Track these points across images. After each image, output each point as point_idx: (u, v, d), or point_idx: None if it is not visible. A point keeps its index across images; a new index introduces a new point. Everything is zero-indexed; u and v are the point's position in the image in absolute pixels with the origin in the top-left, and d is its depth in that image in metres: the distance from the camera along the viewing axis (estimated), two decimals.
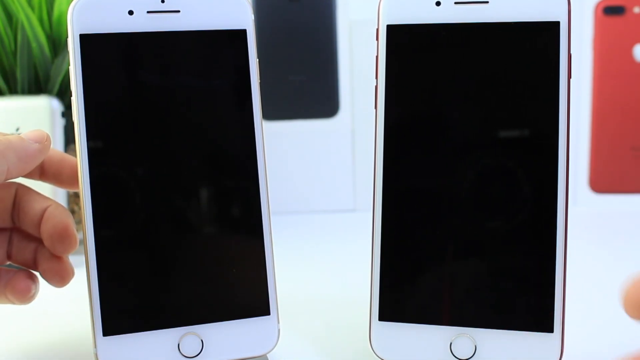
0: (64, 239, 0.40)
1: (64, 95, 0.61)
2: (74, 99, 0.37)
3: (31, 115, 0.59)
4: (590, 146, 0.75)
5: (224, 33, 0.39)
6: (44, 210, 0.41)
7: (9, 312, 0.48)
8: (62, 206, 0.41)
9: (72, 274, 0.41)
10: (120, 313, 0.38)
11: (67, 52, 0.44)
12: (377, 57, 0.38)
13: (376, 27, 0.38)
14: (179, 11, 0.38)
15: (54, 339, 0.45)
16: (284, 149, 0.76)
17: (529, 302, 0.37)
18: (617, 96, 0.74)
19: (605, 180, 0.76)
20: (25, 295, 0.41)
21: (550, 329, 0.37)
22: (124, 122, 0.38)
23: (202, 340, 0.38)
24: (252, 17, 0.39)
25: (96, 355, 0.37)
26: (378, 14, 0.38)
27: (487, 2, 0.37)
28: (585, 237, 0.66)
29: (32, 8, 0.60)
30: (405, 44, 0.38)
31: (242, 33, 0.39)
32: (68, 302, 0.49)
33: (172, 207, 0.39)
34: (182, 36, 0.38)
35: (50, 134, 0.59)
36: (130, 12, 0.38)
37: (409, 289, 0.38)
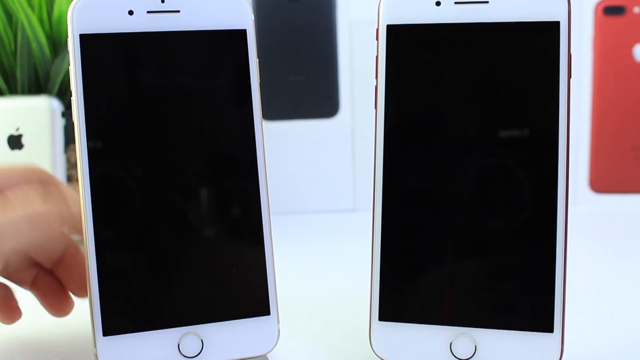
0: (84, 289, 0.41)
1: (64, 95, 0.61)
2: (74, 99, 0.37)
3: (31, 115, 0.59)
4: (590, 146, 0.75)
5: (224, 33, 0.39)
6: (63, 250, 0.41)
7: None
8: (81, 250, 0.42)
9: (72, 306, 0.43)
10: (120, 313, 0.38)
11: (67, 52, 0.44)
12: (377, 57, 0.38)
13: (376, 27, 0.38)
14: (179, 11, 0.38)
15: (54, 339, 0.45)
16: (284, 149, 0.76)
17: (529, 302, 0.37)
18: (617, 96, 0.74)
19: (605, 180, 0.76)
20: None
21: (550, 329, 0.37)
22: (124, 122, 0.38)
23: (202, 340, 0.38)
24: (252, 17, 0.39)
25: (96, 355, 0.37)
26: (378, 14, 0.38)
27: (487, 2, 0.37)
28: (585, 237, 0.66)
29: (32, 8, 0.60)
30: (405, 44, 0.38)
31: (242, 33, 0.39)
32: None
33: (172, 207, 0.39)
34: (182, 36, 0.38)
35: (50, 134, 0.59)
36: (130, 12, 0.38)
37: (409, 289, 0.38)
